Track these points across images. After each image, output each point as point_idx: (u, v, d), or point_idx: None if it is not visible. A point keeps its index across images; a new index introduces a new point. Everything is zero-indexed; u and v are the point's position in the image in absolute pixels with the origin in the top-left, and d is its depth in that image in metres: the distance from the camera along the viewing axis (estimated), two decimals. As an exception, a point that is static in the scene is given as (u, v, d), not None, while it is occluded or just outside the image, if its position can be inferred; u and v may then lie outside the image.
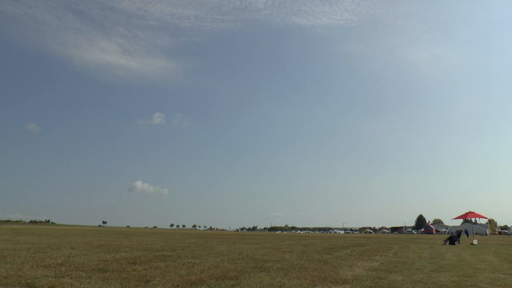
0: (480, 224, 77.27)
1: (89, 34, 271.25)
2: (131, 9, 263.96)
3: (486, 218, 43.49)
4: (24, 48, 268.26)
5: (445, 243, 23.76)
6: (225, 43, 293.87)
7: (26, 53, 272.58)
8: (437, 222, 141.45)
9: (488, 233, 76.64)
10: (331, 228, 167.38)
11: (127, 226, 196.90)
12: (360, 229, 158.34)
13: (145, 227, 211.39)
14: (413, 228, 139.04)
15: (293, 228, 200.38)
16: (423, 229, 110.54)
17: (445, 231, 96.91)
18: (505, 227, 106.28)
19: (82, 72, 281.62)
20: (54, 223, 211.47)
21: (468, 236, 42.20)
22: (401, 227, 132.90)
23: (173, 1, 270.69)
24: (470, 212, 28.03)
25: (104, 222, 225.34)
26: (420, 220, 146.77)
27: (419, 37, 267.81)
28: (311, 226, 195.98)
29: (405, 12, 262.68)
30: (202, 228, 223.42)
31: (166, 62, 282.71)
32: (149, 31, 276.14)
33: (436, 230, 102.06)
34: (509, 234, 77.52)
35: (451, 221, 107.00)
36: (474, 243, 23.48)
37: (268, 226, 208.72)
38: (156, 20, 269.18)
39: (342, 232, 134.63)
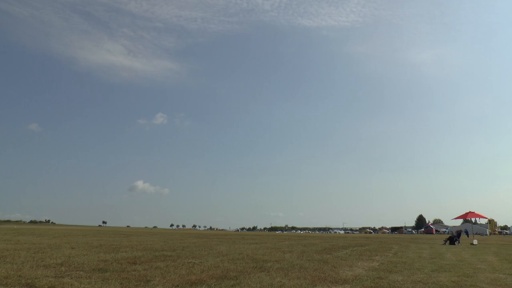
0: (480, 224, 77.36)
1: (95, 36, 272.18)
2: (137, 11, 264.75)
3: (486, 218, 43.52)
4: (27, 49, 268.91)
5: (445, 243, 23.76)
6: (227, 44, 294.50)
7: (29, 54, 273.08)
8: (437, 222, 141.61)
9: (488, 233, 76.68)
10: (331, 228, 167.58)
11: (127, 226, 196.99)
12: (360, 229, 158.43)
13: (145, 227, 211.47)
14: (413, 228, 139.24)
15: (293, 228, 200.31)
16: (423, 229, 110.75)
17: (445, 231, 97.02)
18: (505, 227, 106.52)
19: (85, 72, 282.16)
20: (54, 223, 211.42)
21: (468, 236, 42.20)
22: (401, 227, 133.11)
23: (180, 3, 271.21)
24: (470, 212, 28.03)
25: (104, 222, 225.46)
26: (420, 220, 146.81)
27: (422, 38, 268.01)
28: (311, 226, 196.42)
29: (409, 13, 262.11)
30: (202, 228, 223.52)
31: (169, 63, 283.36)
32: (155, 32, 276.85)
33: (436, 230, 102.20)
34: (508, 234, 77.49)
35: (451, 221, 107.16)
36: (474, 243, 23.48)
37: (268, 226, 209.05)
38: (162, 22, 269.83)
39: (342, 232, 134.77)
